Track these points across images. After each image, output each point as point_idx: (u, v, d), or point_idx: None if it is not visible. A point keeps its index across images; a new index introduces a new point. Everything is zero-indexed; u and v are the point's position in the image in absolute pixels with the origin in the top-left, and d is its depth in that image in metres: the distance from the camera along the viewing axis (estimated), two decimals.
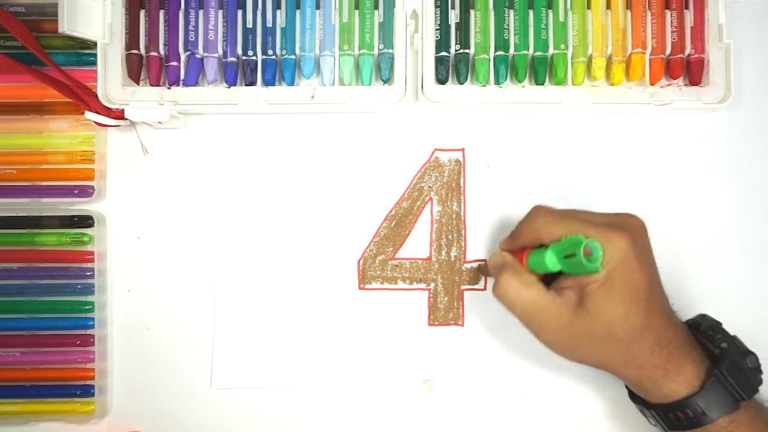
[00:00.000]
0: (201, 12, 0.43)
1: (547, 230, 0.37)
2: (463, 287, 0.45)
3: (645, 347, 0.36)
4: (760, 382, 0.37)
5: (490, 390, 0.45)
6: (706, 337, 0.38)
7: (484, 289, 0.45)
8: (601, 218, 0.38)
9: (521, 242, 0.40)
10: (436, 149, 0.46)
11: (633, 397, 0.40)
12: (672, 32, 0.43)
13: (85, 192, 0.45)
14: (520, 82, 0.44)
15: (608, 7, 0.43)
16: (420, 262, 0.46)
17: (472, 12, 0.43)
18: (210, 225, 0.46)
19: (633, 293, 0.36)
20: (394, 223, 0.46)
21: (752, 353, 0.37)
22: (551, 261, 0.37)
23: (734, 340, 0.38)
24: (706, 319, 0.40)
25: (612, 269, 0.35)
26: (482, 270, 0.45)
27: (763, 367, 0.37)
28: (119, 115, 0.43)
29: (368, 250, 0.46)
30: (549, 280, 0.38)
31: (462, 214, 0.46)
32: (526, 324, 0.38)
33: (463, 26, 0.43)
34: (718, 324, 0.39)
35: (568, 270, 0.36)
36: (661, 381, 0.36)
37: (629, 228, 0.37)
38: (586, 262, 0.34)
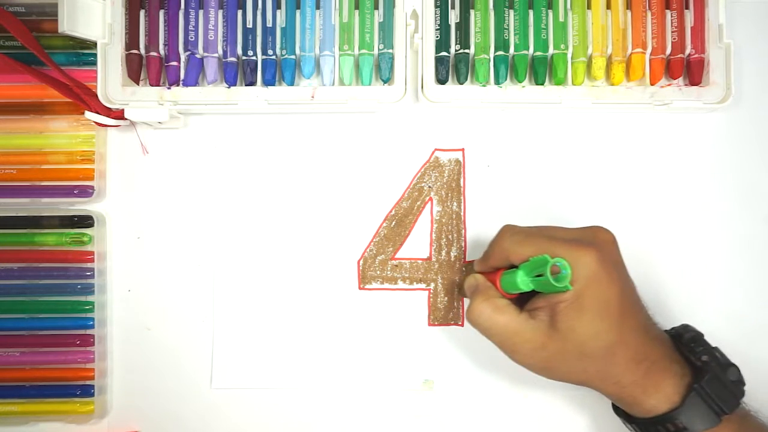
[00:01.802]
0: (201, 12, 0.43)
1: (515, 251, 0.37)
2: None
3: (620, 364, 0.36)
4: (741, 394, 0.36)
5: (490, 390, 0.45)
6: (688, 349, 0.38)
7: None
8: (569, 234, 0.37)
9: (492, 263, 0.39)
10: (436, 149, 0.46)
11: (616, 410, 0.40)
12: (672, 32, 0.43)
13: (85, 192, 0.45)
14: (520, 82, 0.44)
15: (608, 7, 0.43)
16: (420, 262, 0.46)
17: (472, 12, 0.43)
18: (210, 225, 0.46)
19: (604, 310, 0.35)
20: (394, 223, 0.46)
21: (733, 365, 0.37)
22: (523, 281, 0.36)
23: (715, 352, 0.37)
24: (687, 329, 0.39)
25: (581, 287, 0.35)
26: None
27: (750, 377, 0.37)
28: (119, 115, 0.43)
29: (368, 250, 0.46)
30: (526, 299, 0.38)
31: (462, 214, 0.46)
32: (501, 348, 0.38)
33: (463, 26, 0.43)
34: (700, 335, 0.38)
35: (540, 289, 0.36)
36: (640, 397, 0.36)
37: (597, 243, 0.36)
38: (554, 281, 0.34)
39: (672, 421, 0.35)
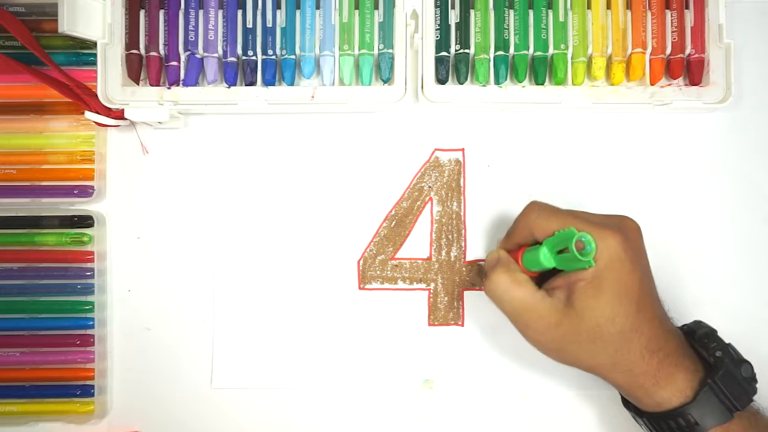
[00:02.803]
0: (201, 12, 0.43)
1: (540, 225, 0.37)
2: (463, 287, 0.45)
3: (634, 352, 0.35)
4: (754, 391, 0.36)
5: (490, 390, 0.45)
6: (701, 345, 0.38)
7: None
8: (595, 218, 0.37)
9: (516, 239, 0.39)
10: (436, 149, 0.46)
11: (626, 404, 0.40)
12: (672, 32, 0.43)
13: (85, 192, 0.45)
14: (520, 82, 0.44)
15: (608, 7, 0.43)
16: (420, 262, 0.46)
17: (472, 12, 0.43)
18: (210, 225, 0.46)
19: (622, 294, 0.35)
20: (394, 223, 0.46)
21: (747, 362, 0.37)
22: (545, 257, 0.36)
23: (729, 348, 0.37)
24: (700, 326, 0.39)
25: (602, 268, 0.35)
26: (482, 273, 0.45)
27: (762, 373, 0.37)
28: (119, 115, 0.43)
29: (368, 250, 0.46)
30: (544, 280, 0.38)
31: (462, 214, 0.46)
32: (514, 322, 0.38)
33: (463, 26, 0.43)
34: (713, 331, 0.38)
35: (562, 266, 0.36)
36: (651, 389, 0.36)
37: (623, 228, 0.36)
38: (578, 255, 0.34)
39: (683, 415, 0.35)
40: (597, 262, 0.35)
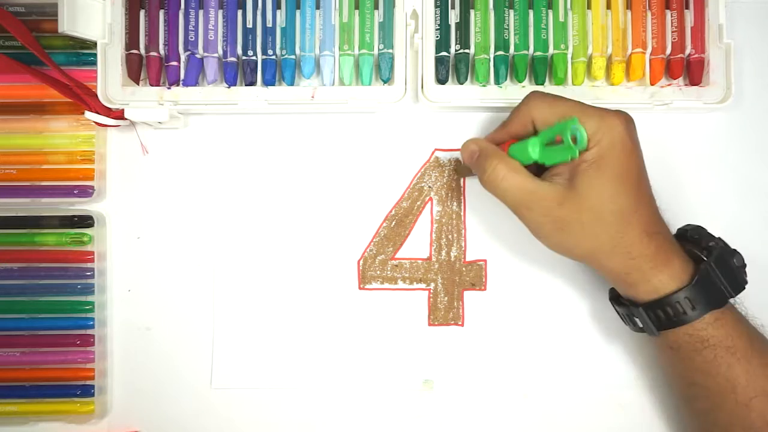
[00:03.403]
0: (201, 12, 0.43)
1: (541, 112, 0.38)
2: (463, 287, 0.45)
3: (633, 234, 0.36)
4: (745, 281, 0.38)
5: (490, 390, 0.45)
6: (693, 238, 0.39)
7: (484, 289, 0.45)
8: (595, 107, 0.38)
9: (514, 129, 0.39)
10: (436, 149, 0.46)
11: (616, 301, 0.40)
12: (672, 32, 0.43)
13: (85, 192, 0.45)
14: (520, 82, 0.44)
15: (608, 7, 0.43)
16: (420, 262, 0.46)
17: (472, 12, 0.43)
18: (210, 225, 0.46)
19: (624, 175, 0.36)
20: (394, 223, 0.46)
21: (738, 253, 0.38)
22: (533, 148, 0.37)
23: (720, 240, 0.39)
24: (688, 225, 0.41)
25: (604, 148, 0.36)
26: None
27: None
28: (119, 115, 0.43)
29: (368, 250, 0.46)
30: (540, 172, 0.39)
31: (462, 214, 0.46)
32: (516, 210, 0.38)
33: (463, 26, 0.43)
34: (703, 228, 0.40)
35: (548, 159, 0.37)
36: (649, 272, 0.36)
37: (623, 114, 0.37)
38: (570, 143, 0.35)
39: (680, 299, 0.36)
40: (599, 143, 0.36)
